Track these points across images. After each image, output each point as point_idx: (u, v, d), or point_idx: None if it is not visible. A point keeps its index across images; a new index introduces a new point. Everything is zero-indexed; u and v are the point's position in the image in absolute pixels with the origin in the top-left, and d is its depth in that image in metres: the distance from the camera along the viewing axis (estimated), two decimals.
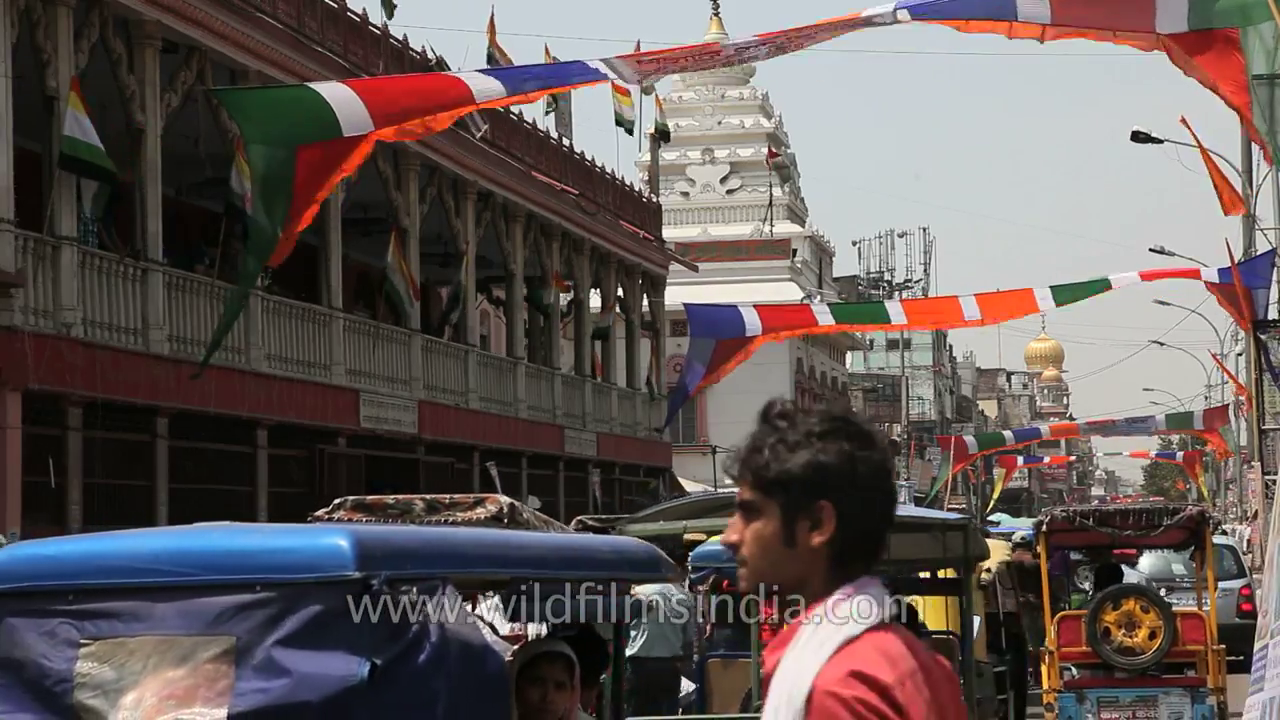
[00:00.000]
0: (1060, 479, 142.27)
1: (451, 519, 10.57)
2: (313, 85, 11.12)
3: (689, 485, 46.52)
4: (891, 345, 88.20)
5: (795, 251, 63.10)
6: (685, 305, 21.39)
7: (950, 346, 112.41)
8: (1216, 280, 20.30)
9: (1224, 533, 42.25)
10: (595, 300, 39.78)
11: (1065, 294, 20.26)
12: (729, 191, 63.48)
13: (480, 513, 10.67)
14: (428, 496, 11.35)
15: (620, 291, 41.03)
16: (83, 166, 19.23)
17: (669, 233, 48.23)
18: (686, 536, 12.00)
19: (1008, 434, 52.85)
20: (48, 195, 19.50)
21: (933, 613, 14.18)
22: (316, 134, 9.76)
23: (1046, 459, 64.88)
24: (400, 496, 11.50)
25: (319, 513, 11.18)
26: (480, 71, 12.37)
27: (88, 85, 19.55)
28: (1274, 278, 23.60)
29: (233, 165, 20.28)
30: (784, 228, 62.81)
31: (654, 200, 45.25)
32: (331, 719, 4.48)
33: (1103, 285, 20.31)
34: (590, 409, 37.78)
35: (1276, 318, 23.48)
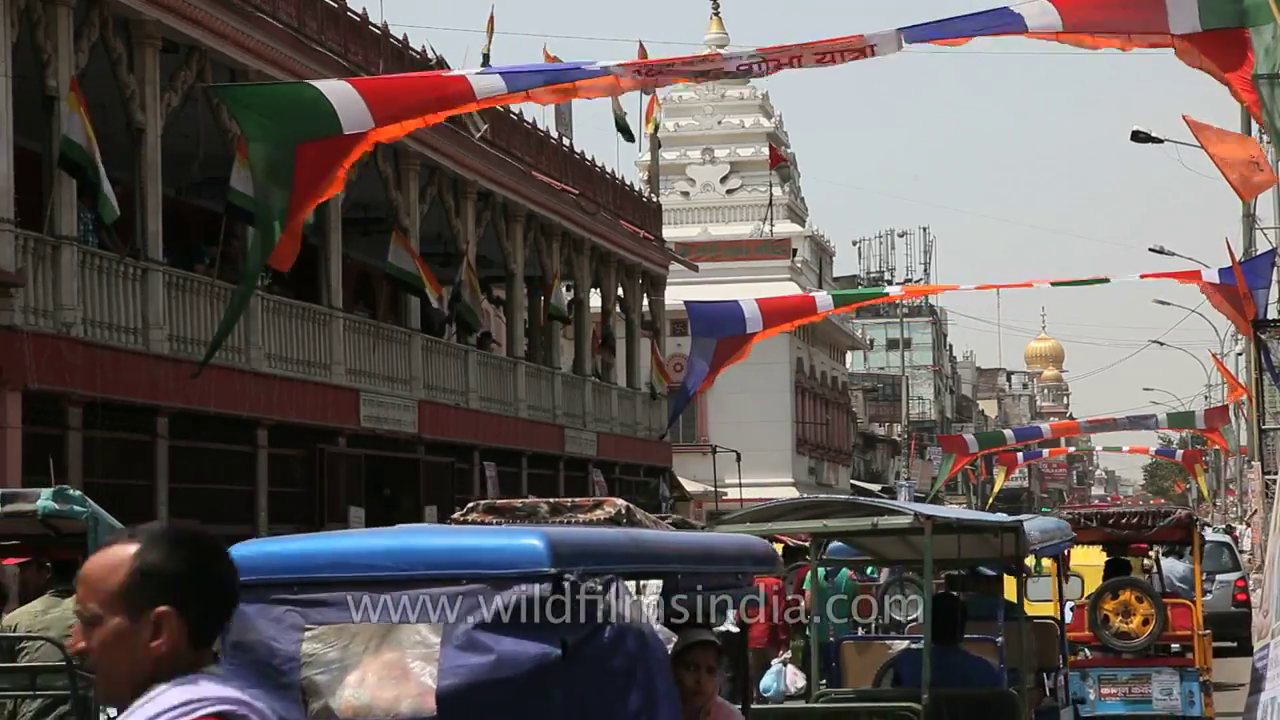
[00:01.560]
0: (1060, 479, 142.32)
1: (574, 520, 11.48)
2: (313, 83, 11.10)
3: (689, 485, 46.53)
4: (892, 345, 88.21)
5: (795, 251, 63.03)
6: (686, 303, 21.42)
7: (950, 346, 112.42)
8: (1217, 281, 20.33)
9: (1227, 530, 42.35)
10: (595, 300, 39.78)
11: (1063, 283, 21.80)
12: (729, 191, 63.39)
13: (600, 514, 11.70)
14: (551, 500, 12.54)
15: (620, 291, 41.02)
16: (82, 174, 19.22)
17: (669, 232, 48.21)
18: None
19: (1008, 433, 52.87)
20: (48, 195, 19.49)
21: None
22: (317, 131, 9.76)
23: (1046, 452, 64.91)
24: (526, 500, 12.82)
25: (454, 515, 12.24)
26: (482, 71, 12.36)
27: (88, 85, 19.55)
28: (1274, 277, 23.62)
29: (233, 165, 20.27)
30: (784, 227, 62.73)
31: (654, 200, 45.24)
32: (531, 692, 5.17)
33: (1100, 281, 21.32)
34: (590, 409, 37.77)
35: (1276, 318, 23.48)
